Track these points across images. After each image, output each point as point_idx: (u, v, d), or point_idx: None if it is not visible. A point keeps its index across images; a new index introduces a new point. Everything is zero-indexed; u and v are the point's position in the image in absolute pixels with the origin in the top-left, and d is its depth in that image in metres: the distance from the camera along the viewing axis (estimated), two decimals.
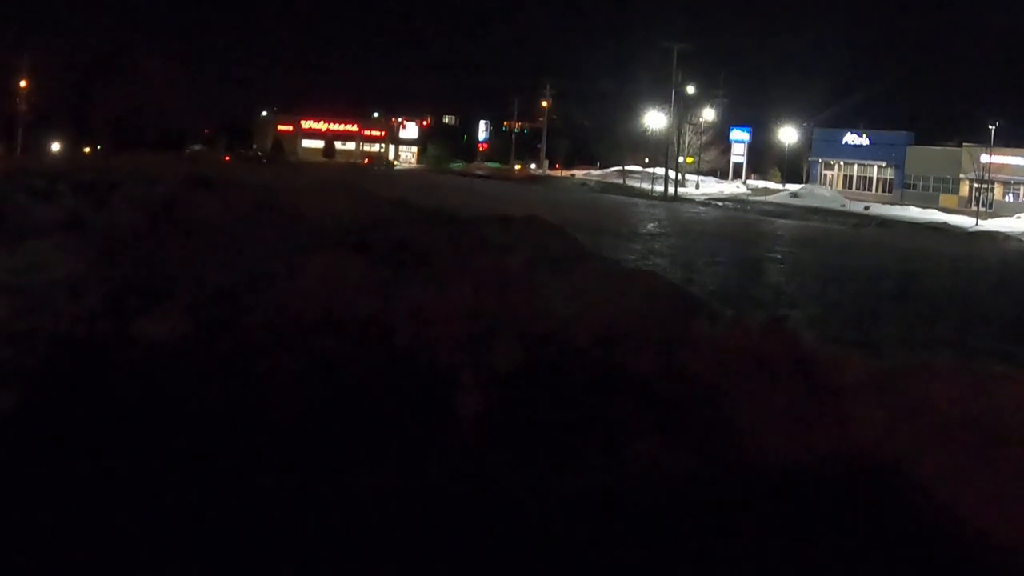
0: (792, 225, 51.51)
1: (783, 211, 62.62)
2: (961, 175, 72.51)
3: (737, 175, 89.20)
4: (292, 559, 4.10)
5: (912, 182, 78.47)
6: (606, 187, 77.26)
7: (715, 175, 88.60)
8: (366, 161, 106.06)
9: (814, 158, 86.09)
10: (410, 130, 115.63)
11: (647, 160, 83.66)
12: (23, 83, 74.80)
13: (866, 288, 23.55)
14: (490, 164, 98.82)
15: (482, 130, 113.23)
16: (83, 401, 5.56)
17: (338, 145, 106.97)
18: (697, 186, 79.44)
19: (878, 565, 4.35)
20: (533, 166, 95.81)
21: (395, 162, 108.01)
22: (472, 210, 13.46)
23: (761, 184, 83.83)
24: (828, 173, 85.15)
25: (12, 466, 4.82)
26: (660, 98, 79.69)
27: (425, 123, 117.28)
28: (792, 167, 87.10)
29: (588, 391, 5.81)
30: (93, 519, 4.32)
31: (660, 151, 77.47)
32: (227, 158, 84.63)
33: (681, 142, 79.01)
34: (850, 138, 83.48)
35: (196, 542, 4.19)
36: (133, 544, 4.13)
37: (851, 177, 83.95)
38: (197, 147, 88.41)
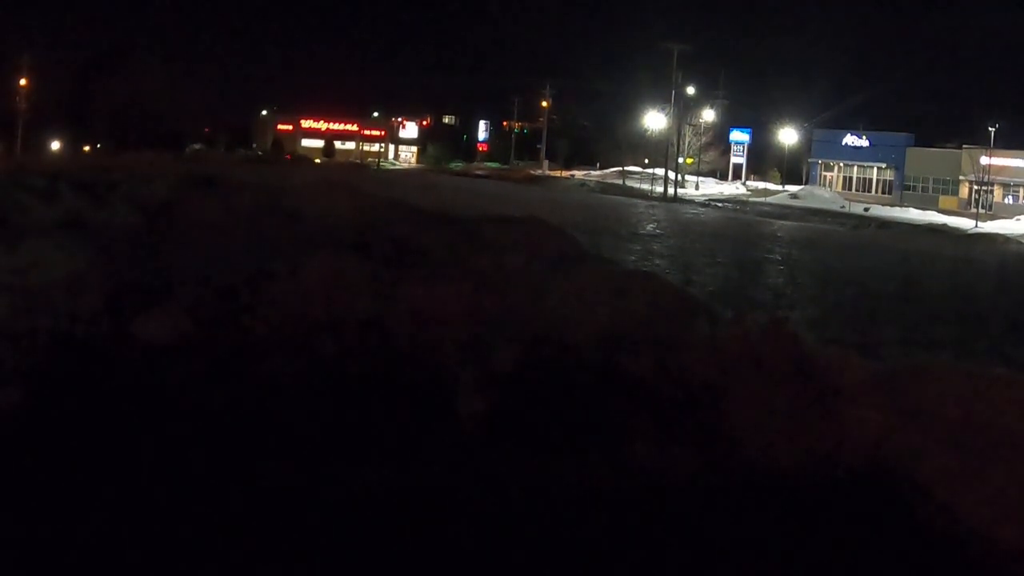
0: (791, 226, 51.48)
1: (782, 212, 62.56)
2: (961, 177, 72.48)
3: (737, 176, 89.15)
4: (292, 557, 4.11)
5: (912, 184, 78.42)
6: (606, 188, 77.13)
7: (715, 176, 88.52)
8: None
9: (814, 159, 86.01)
10: (410, 130, 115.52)
11: (647, 161, 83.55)
12: (23, 82, 74.77)
13: (865, 290, 23.53)
14: (490, 164, 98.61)
15: (482, 130, 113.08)
16: (83, 400, 5.56)
17: (338, 145, 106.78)
18: (697, 187, 79.38)
19: (877, 566, 4.35)
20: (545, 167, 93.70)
21: (394, 161, 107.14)
22: (472, 210, 13.45)
23: (761, 185, 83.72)
24: (828, 174, 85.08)
25: (12, 465, 4.82)
26: (660, 99, 79.63)
27: (425, 123, 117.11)
28: (792, 168, 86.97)
29: (587, 391, 5.81)
30: (93, 518, 4.32)
31: (660, 152, 77.41)
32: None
33: (681, 143, 78.96)
34: (850, 139, 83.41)
35: (197, 540, 4.19)
36: (133, 543, 4.13)
37: (851, 178, 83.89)
38: (197, 146, 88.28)
